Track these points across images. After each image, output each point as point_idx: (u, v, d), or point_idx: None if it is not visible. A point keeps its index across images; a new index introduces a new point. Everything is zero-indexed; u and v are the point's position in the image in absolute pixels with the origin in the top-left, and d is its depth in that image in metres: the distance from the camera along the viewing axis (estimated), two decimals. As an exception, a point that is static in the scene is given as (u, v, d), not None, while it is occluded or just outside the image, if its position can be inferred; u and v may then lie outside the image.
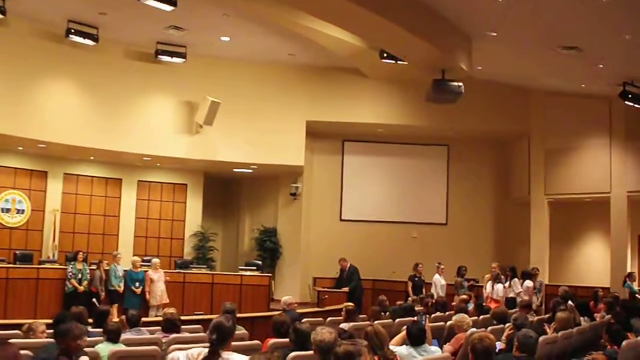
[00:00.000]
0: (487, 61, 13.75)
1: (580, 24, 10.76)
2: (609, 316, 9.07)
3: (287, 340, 5.87)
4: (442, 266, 14.72)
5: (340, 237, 18.05)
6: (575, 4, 9.80)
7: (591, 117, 16.58)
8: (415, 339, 6.07)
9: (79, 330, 5.27)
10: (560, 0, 9.74)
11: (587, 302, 10.10)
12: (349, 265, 15.59)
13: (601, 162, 16.33)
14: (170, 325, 7.05)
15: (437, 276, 14.68)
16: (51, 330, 6.12)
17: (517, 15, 10.75)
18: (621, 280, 15.09)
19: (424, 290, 14.60)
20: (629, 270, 15.82)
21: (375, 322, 8.27)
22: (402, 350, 6.00)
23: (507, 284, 13.38)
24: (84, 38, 13.94)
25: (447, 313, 10.06)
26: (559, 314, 8.01)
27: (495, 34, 11.98)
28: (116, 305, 13.35)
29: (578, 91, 15.94)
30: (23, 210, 16.00)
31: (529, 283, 13.72)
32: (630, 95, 13.26)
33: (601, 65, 12.96)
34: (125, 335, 6.78)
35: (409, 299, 12.80)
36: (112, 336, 6.34)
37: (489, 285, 13.44)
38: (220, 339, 4.61)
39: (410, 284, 14.75)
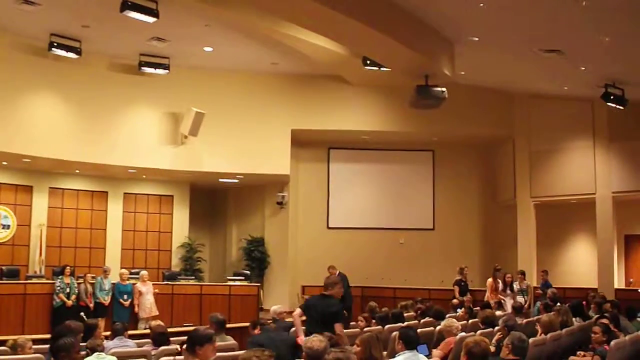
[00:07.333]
0: (470, 66, 13.82)
1: (561, 27, 10.85)
2: (597, 316, 9.11)
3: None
4: (499, 267, 14.68)
5: (328, 245, 18.00)
6: (555, 8, 9.88)
7: (575, 119, 16.67)
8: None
9: (78, 343, 5.35)
10: (539, 4, 9.83)
11: (580, 303, 10.12)
12: (337, 272, 15.50)
13: (585, 163, 16.41)
14: (159, 338, 7.03)
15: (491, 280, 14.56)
16: (39, 346, 6.07)
17: (498, 20, 10.83)
18: (608, 281, 15.25)
19: (468, 294, 14.56)
20: (616, 270, 16.00)
21: (365, 328, 8.31)
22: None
23: None
24: (67, 51, 13.87)
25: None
26: (543, 318, 7.99)
27: (477, 39, 12.05)
28: (104, 318, 13.23)
29: (561, 94, 16.04)
30: (9, 226, 15.89)
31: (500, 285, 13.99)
32: (612, 97, 13.32)
33: (583, 68, 13.06)
34: (110, 346, 6.75)
35: (455, 300, 12.79)
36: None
37: None
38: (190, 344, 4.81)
39: (457, 289, 14.69)
